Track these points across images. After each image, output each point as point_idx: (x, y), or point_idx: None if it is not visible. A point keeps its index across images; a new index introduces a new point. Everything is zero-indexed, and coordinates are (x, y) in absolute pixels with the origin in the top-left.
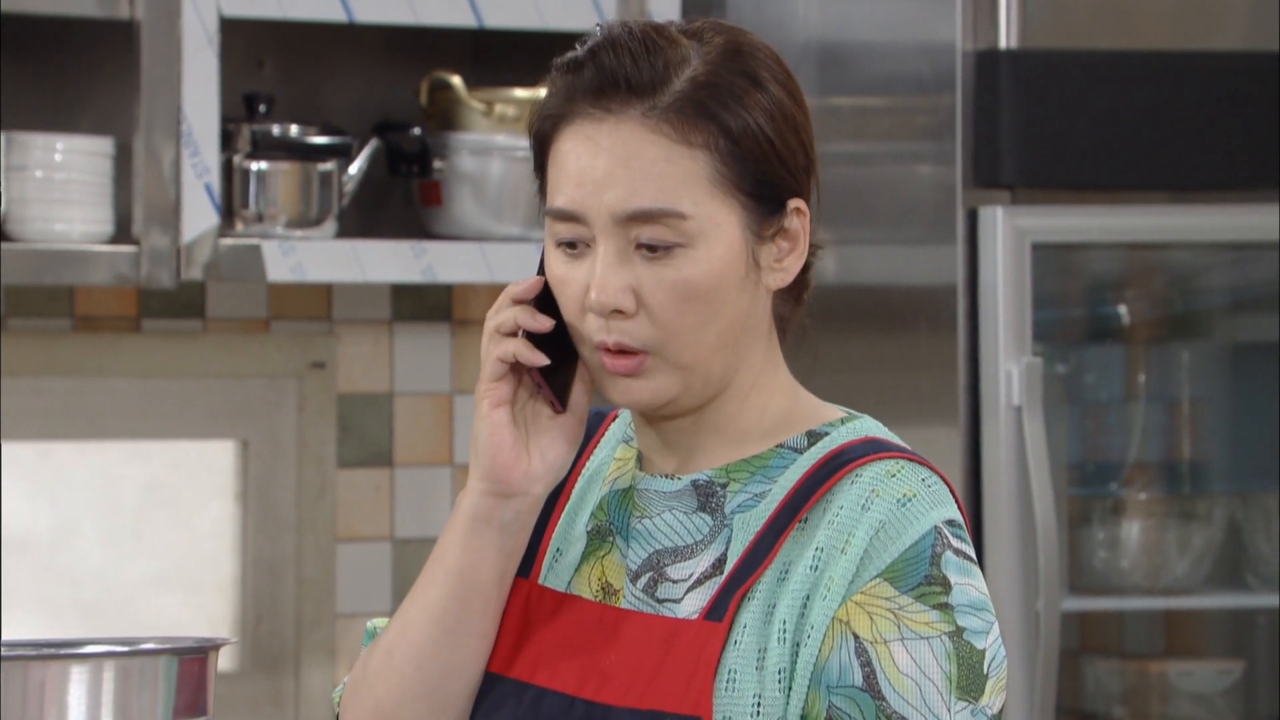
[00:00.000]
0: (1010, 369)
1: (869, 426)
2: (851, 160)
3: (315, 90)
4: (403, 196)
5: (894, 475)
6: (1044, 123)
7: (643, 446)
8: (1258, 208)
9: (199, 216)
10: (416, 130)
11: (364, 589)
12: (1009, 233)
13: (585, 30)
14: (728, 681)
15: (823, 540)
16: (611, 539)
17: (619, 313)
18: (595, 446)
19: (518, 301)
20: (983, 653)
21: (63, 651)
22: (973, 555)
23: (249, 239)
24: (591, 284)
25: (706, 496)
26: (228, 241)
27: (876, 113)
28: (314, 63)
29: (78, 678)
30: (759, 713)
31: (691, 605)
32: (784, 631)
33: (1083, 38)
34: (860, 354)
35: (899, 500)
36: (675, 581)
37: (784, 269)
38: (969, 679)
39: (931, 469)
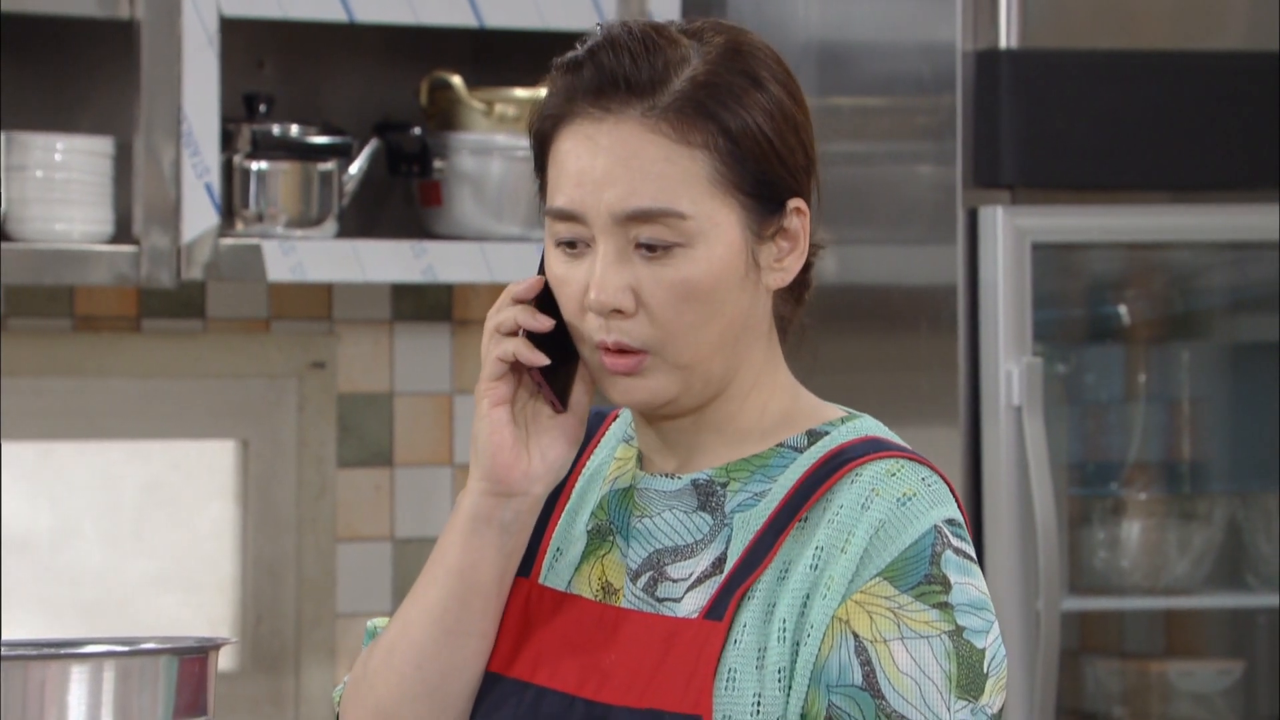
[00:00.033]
0: (1010, 369)
1: (869, 426)
2: (851, 160)
3: (315, 90)
4: (403, 196)
5: (894, 474)
6: (1044, 123)
7: (643, 446)
8: (1258, 208)
9: (199, 216)
10: (417, 130)
11: (364, 589)
12: (1009, 233)
13: (585, 30)
14: (727, 680)
15: (823, 539)
16: (612, 538)
17: (618, 312)
18: (596, 446)
19: (518, 301)
20: (983, 652)
21: (63, 651)
22: (973, 554)
23: (249, 239)
24: (591, 283)
25: (706, 496)
26: (228, 241)
27: (877, 113)
28: (314, 63)
29: (78, 678)
30: (759, 712)
31: (691, 604)
32: (784, 630)
33: (1083, 38)
34: (860, 354)
35: (899, 499)
36: (675, 581)
37: (784, 269)
38: (969, 678)
39: (931, 468)
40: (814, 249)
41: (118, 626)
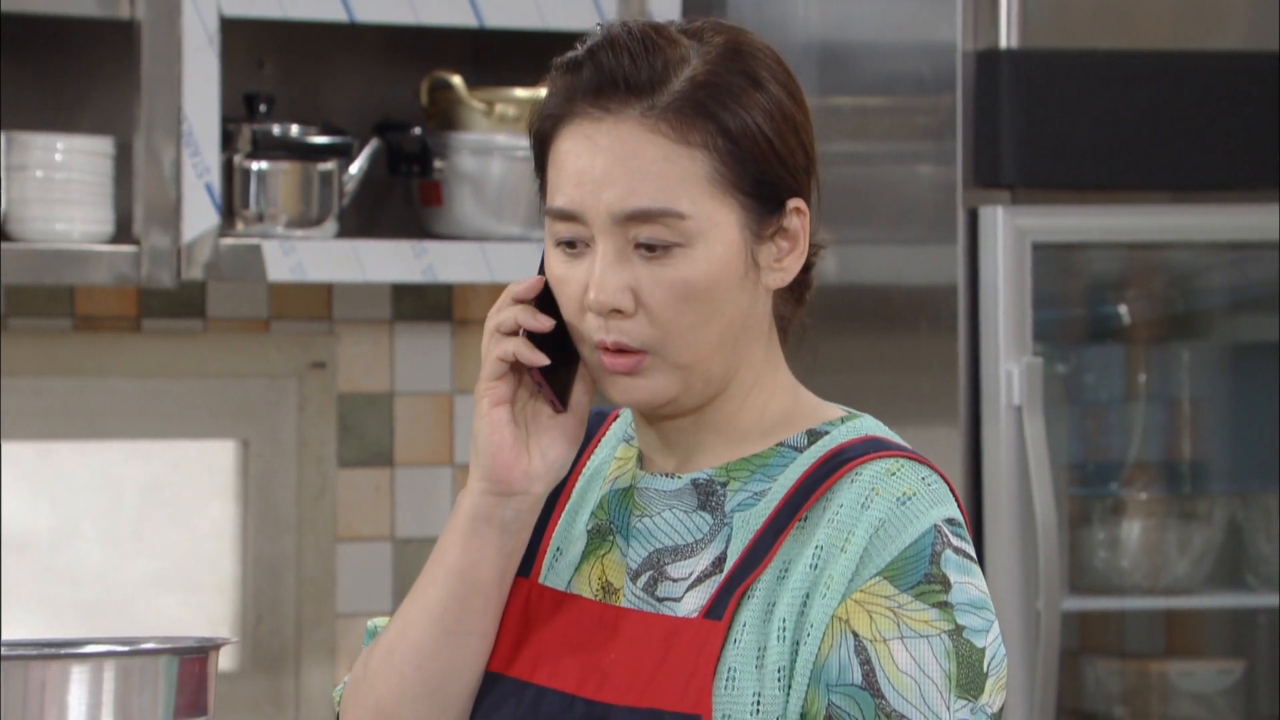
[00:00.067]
0: (1010, 369)
1: (869, 425)
2: (852, 160)
3: (316, 90)
4: (403, 196)
5: (894, 474)
6: (1044, 123)
7: (643, 446)
8: (1258, 208)
9: (199, 216)
10: (417, 130)
11: (364, 589)
12: (1009, 233)
13: (586, 30)
14: (727, 680)
15: (822, 539)
16: (612, 538)
17: (618, 312)
18: (596, 446)
19: (518, 301)
20: (982, 651)
21: (63, 651)
22: (972, 554)
23: (249, 239)
24: (590, 283)
25: (706, 495)
26: (228, 241)
27: (877, 113)
28: (314, 63)
29: (78, 677)
30: (758, 711)
31: (691, 604)
32: (783, 630)
33: (1083, 38)
34: (860, 354)
35: (899, 498)
36: (675, 580)
37: (783, 269)
38: (968, 677)
39: (931, 468)
40: (815, 249)
41: (118, 626)
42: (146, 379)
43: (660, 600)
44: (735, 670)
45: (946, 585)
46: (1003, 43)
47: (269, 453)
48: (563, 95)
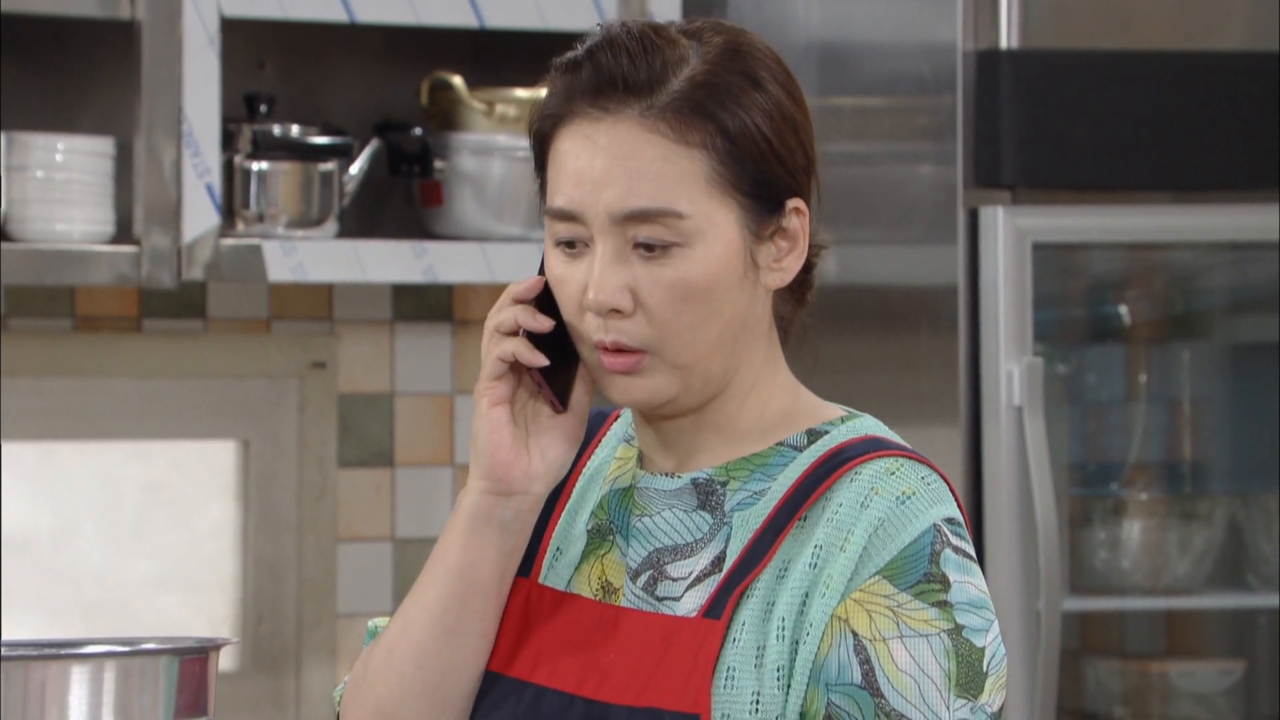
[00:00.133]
0: (1011, 369)
1: (869, 425)
2: (852, 160)
3: (316, 90)
4: (403, 196)
5: (893, 473)
6: (1044, 123)
7: (643, 445)
8: (1258, 208)
9: (200, 216)
10: (417, 130)
11: (364, 589)
12: (1009, 233)
13: (586, 30)
14: (726, 679)
15: (822, 538)
16: (611, 538)
17: (617, 312)
18: (596, 446)
19: (518, 301)
20: (982, 650)
21: (63, 651)
22: (972, 553)
23: (250, 239)
24: (589, 283)
25: (706, 495)
26: (228, 241)
27: (877, 113)
28: (315, 63)
29: (78, 678)
30: (757, 710)
31: (691, 603)
32: (783, 629)
33: (1083, 38)
34: (860, 354)
35: (898, 498)
36: (675, 579)
37: (783, 269)
38: (968, 677)
39: (931, 467)
40: (815, 249)
41: (118, 627)
42: (147, 379)
43: (660, 599)
44: (734, 669)
45: (946, 584)
46: (1003, 43)
47: (269, 453)
48: (562, 95)
